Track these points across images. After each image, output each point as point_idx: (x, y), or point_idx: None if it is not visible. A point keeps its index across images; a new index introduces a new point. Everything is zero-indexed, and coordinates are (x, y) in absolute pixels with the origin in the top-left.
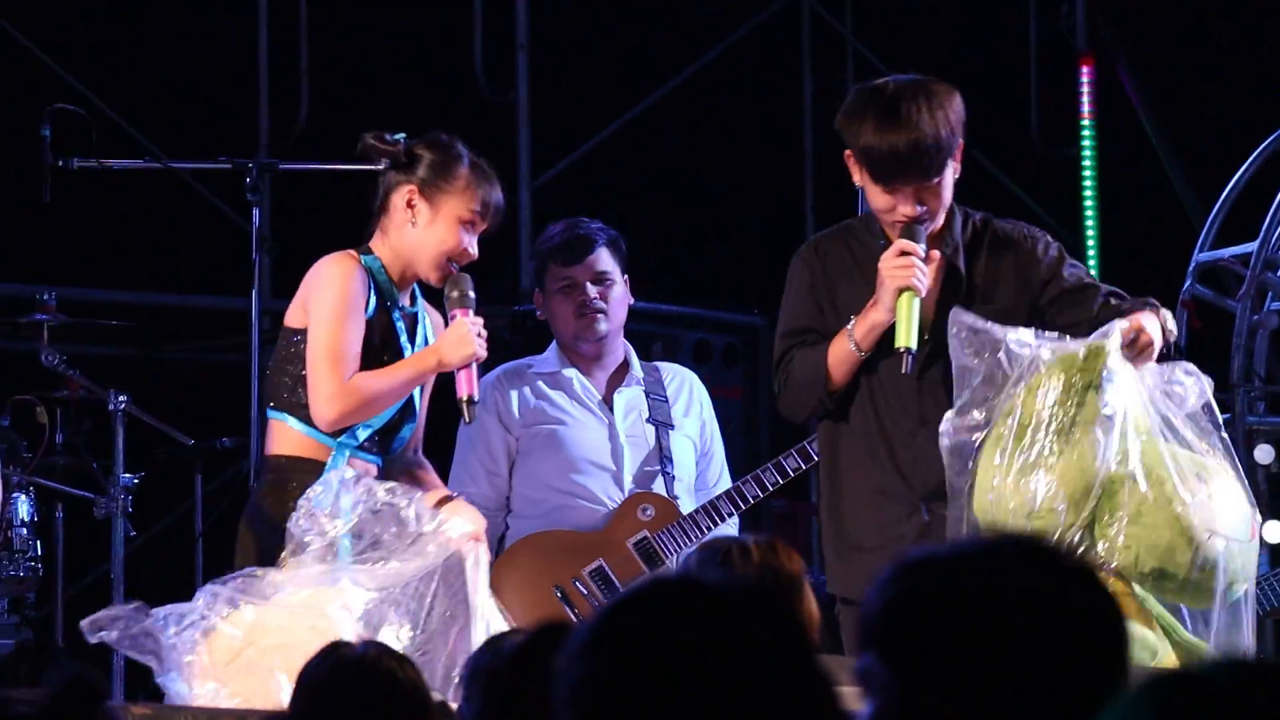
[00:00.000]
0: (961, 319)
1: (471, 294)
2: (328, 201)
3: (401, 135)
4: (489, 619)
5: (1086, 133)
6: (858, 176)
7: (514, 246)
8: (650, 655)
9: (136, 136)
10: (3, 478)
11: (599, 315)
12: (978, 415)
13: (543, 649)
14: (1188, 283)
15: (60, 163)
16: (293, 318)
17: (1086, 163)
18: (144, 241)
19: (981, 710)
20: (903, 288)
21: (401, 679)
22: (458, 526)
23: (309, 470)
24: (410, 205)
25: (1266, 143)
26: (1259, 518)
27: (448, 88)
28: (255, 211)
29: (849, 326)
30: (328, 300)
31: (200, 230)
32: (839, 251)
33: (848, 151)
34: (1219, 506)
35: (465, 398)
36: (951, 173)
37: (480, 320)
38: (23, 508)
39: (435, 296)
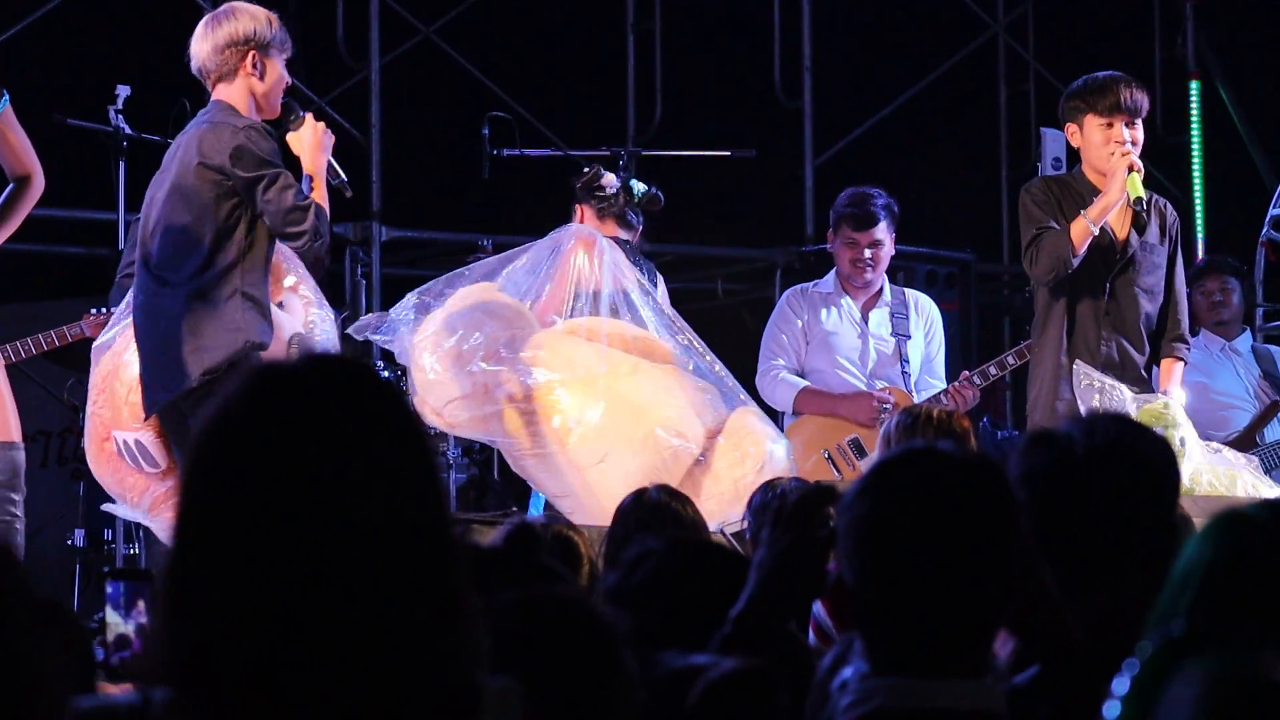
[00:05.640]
0: (1080, 368)
1: None
2: (678, 178)
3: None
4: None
5: (1194, 125)
6: (1078, 139)
7: (800, 206)
8: (904, 497)
9: (545, 132)
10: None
11: (867, 268)
12: None
13: (817, 501)
14: (1265, 229)
15: (495, 152)
16: None
17: (1194, 146)
18: (549, 202)
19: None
20: (1130, 167)
21: (684, 517)
22: None
23: None
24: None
25: None
26: None
27: (756, 97)
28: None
29: (1084, 212)
30: None
31: None
32: (1058, 187)
33: (1070, 125)
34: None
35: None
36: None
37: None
38: None
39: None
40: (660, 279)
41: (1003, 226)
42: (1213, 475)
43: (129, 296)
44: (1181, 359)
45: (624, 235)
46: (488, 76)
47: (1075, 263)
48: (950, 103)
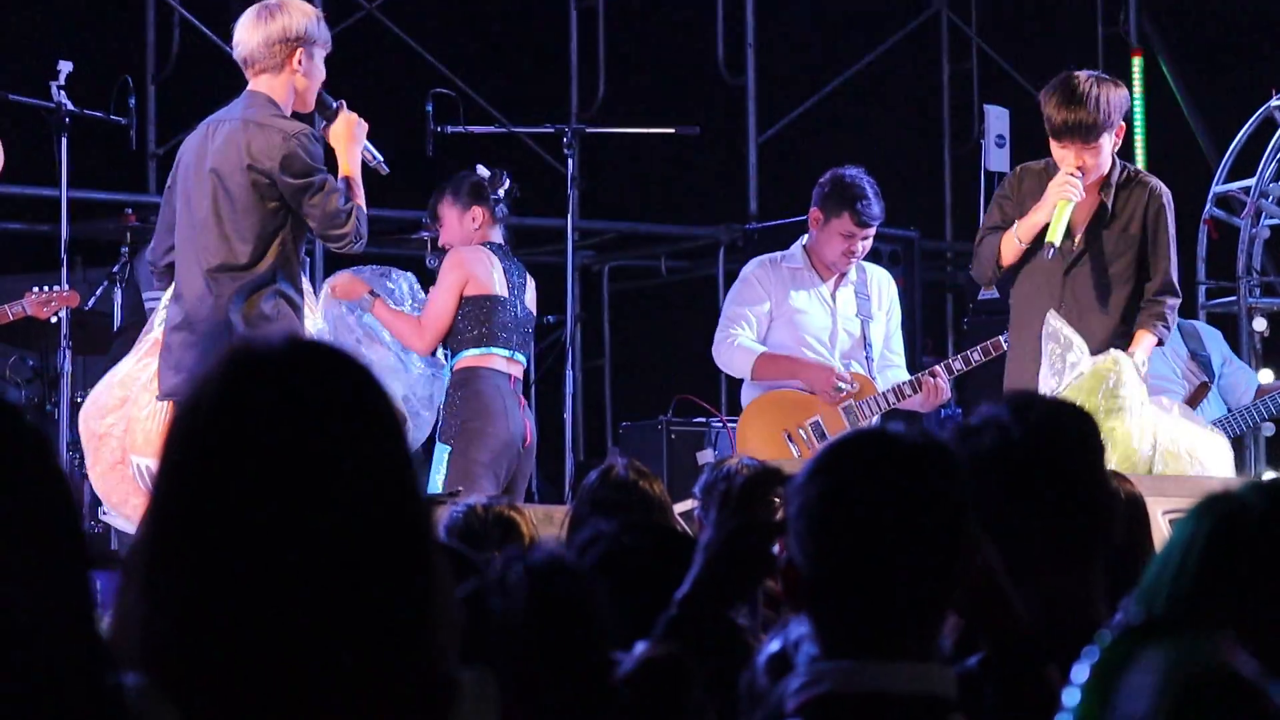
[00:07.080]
0: (1051, 321)
1: None
2: (622, 156)
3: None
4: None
5: (1137, 104)
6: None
7: (744, 183)
8: (856, 481)
9: (489, 109)
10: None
11: (854, 259)
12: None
13: (764, 483)
14: (1208, 207)
15: (438, 129)
16: None
17: (1137, 125)
18: None
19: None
20: (1061, 199)
21: (652, 496)
22: None
23: None
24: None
25: (1260, 111)
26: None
27: (699, 74)
28: (570, 161)
29: (1015, 226)
30: None
31: (531, 173)
32: (1033, 180)
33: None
34: (1215, 457)
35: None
36: (1110, 140)
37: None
38: None
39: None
40: (530, 281)
41: (945, 203)
42: (1167, 439)
43: (165, 297)
44: (1153, 328)
45: (498, 237)
46: (431, 53)
47: (1002, 273)
48: (893, 80)
